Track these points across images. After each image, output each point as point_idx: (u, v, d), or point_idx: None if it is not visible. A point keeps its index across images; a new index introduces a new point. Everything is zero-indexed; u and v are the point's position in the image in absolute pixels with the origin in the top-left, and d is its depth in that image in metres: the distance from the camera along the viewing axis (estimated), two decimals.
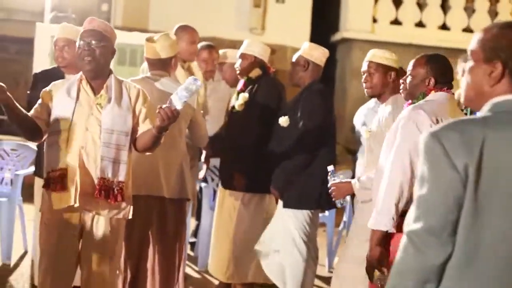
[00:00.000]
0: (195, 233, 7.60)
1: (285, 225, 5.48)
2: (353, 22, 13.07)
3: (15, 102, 4.02)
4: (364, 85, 4.76)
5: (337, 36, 13.41)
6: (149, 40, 5.07)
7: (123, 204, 4.23)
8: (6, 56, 12.94)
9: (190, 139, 5.34)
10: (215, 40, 12.04)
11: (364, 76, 4.75)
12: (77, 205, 4.11)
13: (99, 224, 4.21)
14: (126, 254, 4.86)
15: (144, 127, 4.26)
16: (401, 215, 3.74)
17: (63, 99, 4.22)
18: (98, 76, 4.25)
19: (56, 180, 4.12)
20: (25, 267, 6.53)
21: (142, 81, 4.92)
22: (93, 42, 4.17)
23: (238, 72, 6.03)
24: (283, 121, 5.54)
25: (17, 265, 6.60)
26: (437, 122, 3.77)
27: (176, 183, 4.99)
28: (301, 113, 5.47)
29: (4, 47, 12.90)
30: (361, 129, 4.92)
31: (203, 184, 7.13)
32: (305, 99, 5.50)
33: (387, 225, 3.80)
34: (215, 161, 6.73)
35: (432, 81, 4.01)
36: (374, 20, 13.14)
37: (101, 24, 4.27)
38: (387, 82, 4.72)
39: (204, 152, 6.57)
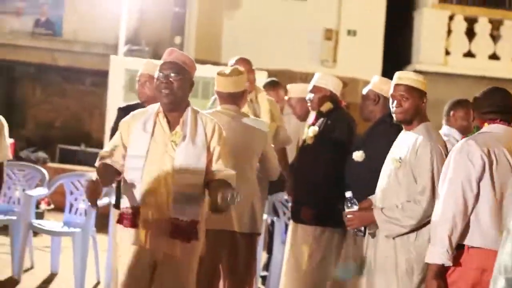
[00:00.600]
0: (267, 267, 7.57)
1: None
2: (426, 54, 12.98)
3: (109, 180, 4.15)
4: (394, 109, 4.46)
5: (409, 69, 13.28)
6: (220, 74, 5.06)
7: (196, 243, 4.12)
8: (82, 88, 13.27)
9: (261, 172, 5.28)
10: (287, 73, 12.16)
11: (395, 100, 4.44)
12: (148, 246, 4.03)
13: (172, 262, 4.07)
14: None
15: (216, 167, 4.12)
16: (457, 248, 3.75)
17: (139, 135, 4.10)
18: (175, 109, 4.12)
19: (129, 218, 4.06)
20: None
21: (214, 115, 4.94)
22: (172, 74, 4.07)
23: (309, 105, 5.98)
24: (358, 156, 5.41)
25: None
26: (489, 153, 3.79)
27: (248, 218, 4.97)
28: (373, 149, 5.23)
29: (80, 79, 13.24)
30: (389, 158, 4.75)
31: (275, 218, 7.11)
32: (378, 133, 5.34)
33: (441, 258, 3.77)
34: (285, 195, 6.70)
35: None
36: (447, 53, 13.02)
37: (180, 56, 4.16)
38: (420, 107, 4.56)
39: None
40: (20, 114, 13.47)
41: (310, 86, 5.92)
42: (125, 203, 4.11)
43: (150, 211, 4.03)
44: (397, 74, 4.48)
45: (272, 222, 7.20)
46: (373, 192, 4.75)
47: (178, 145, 4.05)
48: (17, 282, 6.73)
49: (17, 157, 11.10)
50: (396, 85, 4.42)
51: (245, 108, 5.72)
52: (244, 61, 5.87)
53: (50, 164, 10.93)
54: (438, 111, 6.24)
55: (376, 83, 5.48)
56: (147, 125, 4.11)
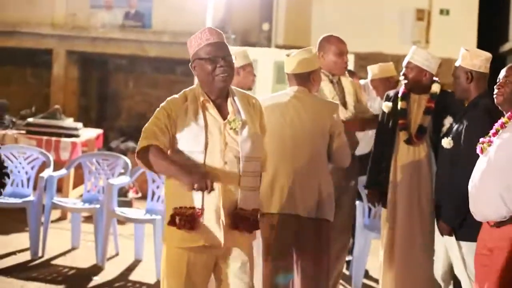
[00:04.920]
0: (350, 251, 7.42)
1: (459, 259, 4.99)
2: None
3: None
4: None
5: (506, 47, 12.83)
6: (288, 55, 4.97)
7: (256, 231, 3.88)
8: (173, 77, 13.41)
9: (329, 158, 5.03)
10: (378, 55, 11.92)
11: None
12: (209, 244, 3.72)
13: (235, 256, 3.81)
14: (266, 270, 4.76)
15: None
16: None
17: (191, 126, 3.71)
18: (225, 93, 3.81)
19: (186, 219, 3.65)
20: None
21: (280, 97, 4.84)
22: (227, 56, 3.73)
23: (405, 82, 5.59)
24: (446, 142, 4.94)
25: None
26: None
27: (313, 203, 4.81)
28: (465, 135, 4.81)
29: (170, 69, 13.36)
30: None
31: (357, 202, 6.94)
32: (470, 119, 4.85)
33: None
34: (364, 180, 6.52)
35: None
36: None
37: (222, 35, 3.79)
38: None
39: None
40: (113, 105, 13.75)
41: (404, 61, 5.57)
42: (178, 202, 3.70)
43: (217, 207, 3.70)
44: None
45: (355, 206, 7.03)
46: (460, 183, 4.48)
47: (239, 133, 3.74)
48: (101, 269, 6.83)
49: (107, 147, 11.32)
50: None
51: (331, 90, 5.57)
52: (341, 39, 5.67)
53: None
54: None
55: (467, 57, 4.96)
56: (198, 117, 3.72)
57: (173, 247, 3.77)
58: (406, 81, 5.49)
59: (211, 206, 3.68)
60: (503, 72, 4.17)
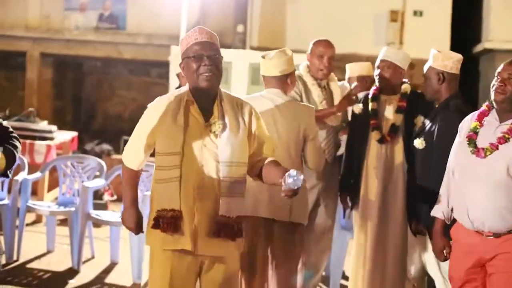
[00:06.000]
0: None
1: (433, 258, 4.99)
2: (497, 32, 12.61)
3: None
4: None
5: (479, 47, 12.94)
6: (264, 57, 4.95)
7: (241, 239, 3.78)
8: (148, 79, 13.40)
9: (304, 162, 4.96)
10: (353, 56, 11.94)
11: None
12: (198, 252, 3.65)
13: (220, 263, 3.74)
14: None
15: (258, 154, 3.81)
16: None
17: (169, 129, 3.65)
18: (211, 94, 3.70)
19: (168, 221, 3.60)
20: None
21: (255, 100, 4.76)
22: (215, 55, 3.63)
23: (378, 81, 5.57)
24: (419, 143, 4.94)
25: (147, 284, 6.67)
26: None
27: (286, 207, 4.78)
28: (437, 136, 4.82)
29: (145, 70, 13.35)
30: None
31: None
32: (442, 119, 4.84)
33: None
34: None
35: None
36: None
37: (213, 35, 3.73)
38: None
39: None
40: (88, 108, 13.70)
41: (378, 61, 5.55)
42: (160, 205, 3.65)
43: (193, 211, 3.62)
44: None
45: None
46: (433, 183, 4.46)
47: (219, 136, 3.65)
48: (76, 272, 6.80)
49: (82, 150, 11.27)
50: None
51: (319, 95, 5.57)
52: (326, 42, 5.65)
53: (115, 156, 11.03)
54: None
55: (438, 58, 4.96)
56: (178, 116, 3.65)
57: (157, 249, 3.72)
58: (380, 80, 5.47)
59: (187, 210, 3.62)
60: (506, 68, 3.94)
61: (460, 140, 4.04)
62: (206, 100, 3.70)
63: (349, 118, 5.85)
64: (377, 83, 5.53)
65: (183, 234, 3.62)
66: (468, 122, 4.04)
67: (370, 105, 5.52)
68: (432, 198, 4.35)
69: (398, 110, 5.45)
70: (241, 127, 3.71)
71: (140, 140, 3.73)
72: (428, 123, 4.97)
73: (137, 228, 3.93)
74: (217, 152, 3.64)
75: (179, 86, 5.49)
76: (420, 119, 5.34)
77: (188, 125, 3.65)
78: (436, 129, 4.83)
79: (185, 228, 3.62)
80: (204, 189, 3.62)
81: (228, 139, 3.65)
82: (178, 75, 5.58)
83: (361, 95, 5.74)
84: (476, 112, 4.07)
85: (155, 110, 3.69)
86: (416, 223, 4.98)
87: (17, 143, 3.32)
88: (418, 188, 4.93)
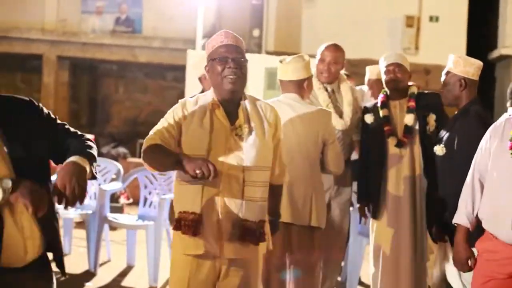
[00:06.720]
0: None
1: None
2: None
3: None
4: None
5: (495, 54, 12.90)
6: (281, 61, 4.96)
7: (263, 243, 3.74)
8: (163, 83, 13.42)
9: (322, 165, 4.95)
10: (368, 62, 11.92)
11: None
12: (213, 253, 3.63)
13: (240, 268, 3.71)
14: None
15: (277, 170, 3.82)
16: None
17: (195, 129, 3.62)
18: (236, 98, 3.69)
19: (189, 224, 3.57)
20: None
21: (273, 105, 4.75)
22: (241, 59, 3.63)
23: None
24: (439, 149, 4.87)
25: (163, 287, 6.70)
26: None
27: (306, 211, 4.81)
28: (458, 142, 4.76)
29: (161, 74, 13.38)
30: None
31: (350, 208, 6.95)
32: (462, 125, 4.79)
33: None
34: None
35: None
36: None
37: (239, 39, 3.71)
38: None
39: None
40: (104, 111, 13.73)
41: (385, 65, 5.55)
42: (182, 207, 3.64)
43: (217, 215, 3.60)
44: None
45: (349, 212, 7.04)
46: (454, 190, 4.43)
47: (245, 140, 3.63)
48: (93, 275, 6.83)
49: (98, 153, 11.30)
50: None
51: (325, 99, 5.58)
52: (330, 47, 5.64)
53: (131, 159, 11.08)
54: None
55: (460, 64, 4.85)
56: (204, 119, 3.63)
57: (178, 253, 3.71)
58: (393, 83, 5.44)
59: (210, 214, 3.60)
60: None
61: (494, 146, 3.94)
62: (231, 103, 3.69)
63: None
64: (386, 89, 5.54)
65: (204, 238, 3.60)
66: (500, 128, 3.91)
67: (381, 112, 5.52)
68: (453, 204, 4.34)
69: (408, 111, 5.45)
70: (266, 131, 3.69)
71: (167, 123, 3.66)
72: (447, 129, 4.96)
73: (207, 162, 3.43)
74: (242, 156, 3.62)
75: (203, 91, 5.50)
76: (432, 117, 5.37)
77: (214, 129, 3.62)
78: (456, 136, 4.83)
79: (207, 231, 3.60)
80: (228, 192, 3.60)
81: (253, 143, 3.63)
82: (200, 79, 5.58)
83: (369, 104, 5.74)
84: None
85: (183, 105, 3.70)
86: (436, 229, 4.97)
87: (89, 141, 3.22)
88: (438, 194, 4.92)
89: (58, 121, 3.20)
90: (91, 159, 3.05)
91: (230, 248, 3.63)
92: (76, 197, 2.84)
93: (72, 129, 3.23)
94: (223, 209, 3.60)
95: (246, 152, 3.61)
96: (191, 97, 3.80)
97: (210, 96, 3.72)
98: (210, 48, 3.71)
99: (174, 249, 3.76)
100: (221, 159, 3.58)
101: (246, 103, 3.72)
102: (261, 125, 3.68)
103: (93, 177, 3.08)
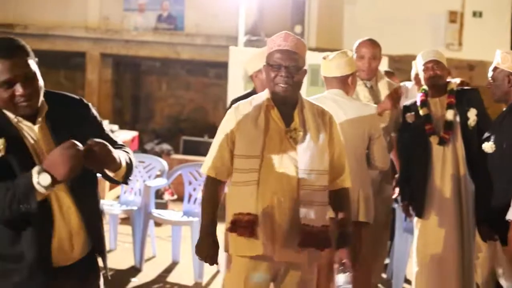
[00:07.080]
0: (388, 254, 7.39)
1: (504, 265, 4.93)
2: None
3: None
4: None
5: None
6: (325, 58, 4.95)
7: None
8: (206, 80, 13.46)
9: (368, 161, 4.99)
10: (411, 58, 11.83)
11: None
12: (276, 258, 3.62)
13: (297, 273, 3.71)
14: None
15: (338, 173, 3.79)
16: None
17: (250, 131, 3.62)
18: (289, 101, 3.70)
19: (244, 225, 3.56)
20: (216, 287, 6.63)
21: (319, 101, 4.75)
22: (292, 66, 3.61)
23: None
24: (488, 147, 4.87)
25: (208, 283, 6.73)
26: None
27: (354, 206, 4.78)
28: (508, 139, 4.79)
29: (203, 71, 13.42)
30: None
31: (396, 205, 6.92)
32: (511, 122, 4.80)
33: None
34: None
35: None
36: None
37: (297, 42, 3.65)
38: None
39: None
40: (147, 108, 13.82)
41: (423, 63, 5.53)
42: (237, 208, 3.62)
43: (272, 217, 3.58)
44: None
45: (393, 210, 7.01)
46: (505, 187, 4.40)
47: (299, 143, 3.63)
48: (139, 270, 6.89)
49: (142, 149, 11.39)
50: None
51: (365, 95, 5.57)
52: (367, 43, 5.67)
53: (174, 156, 11.13)
54: None
55: (508, 60, 4.86)
56: (258, 120, 3.63)
57: (234, 255, 3.70)
58: (435, 80, 5.44)
59: (266, 215, 3.57)
60: None
61: None
62: (286, 106, 3.69)
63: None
64: (425, 86, 5.52)
65: (259, 239, 3.59)
66: None
67: (421, 111, 5.50)
68: (504, 202, 4.31)
69: (448, 107, 5.44)
70: (322, 135, 3.67)
71: (224, 146, 3.70)
72: (495, 126, 4.92)
73: (212, 261, 3.70)
74: (297, 159, 3.61)
75: (254, 89, 5.52)
76: (473, 112, 5.34)
77: (269, 129, 3.63)
78: (505, 132, 4.79)
79: (262, 233, 3.59)
80: (283, 194, 3.58)
81: (308, 146, 3.62)
82: (251, 77, 5.59)
83: (408, 103, 5.70)
84: None
85: (232, 114, 3.71)
86: (486, 228, 4.92)
87: (127, 149, 3.28)
88: (488, 192, 4.87)
89: (104, 127, 3.29)
90: (126, 161, 3.11)
91: (285, 251, 3.61)
92: (102, 156, 2.89)
93: (115, 139, 3.31)
94: (278, 211, 3.58)
95: (301, 156, 3.61)
96: (242, 97, 3.82)
97: (264, 96, 3.72)
98: (268, 50, 3.71)
99: (229, 250, 3.72)
100: (275, 160, 3.60)
101: (303, 106, 3.71)
102: (316, 129, 3.67)
103: (124, 182, 3.16)
